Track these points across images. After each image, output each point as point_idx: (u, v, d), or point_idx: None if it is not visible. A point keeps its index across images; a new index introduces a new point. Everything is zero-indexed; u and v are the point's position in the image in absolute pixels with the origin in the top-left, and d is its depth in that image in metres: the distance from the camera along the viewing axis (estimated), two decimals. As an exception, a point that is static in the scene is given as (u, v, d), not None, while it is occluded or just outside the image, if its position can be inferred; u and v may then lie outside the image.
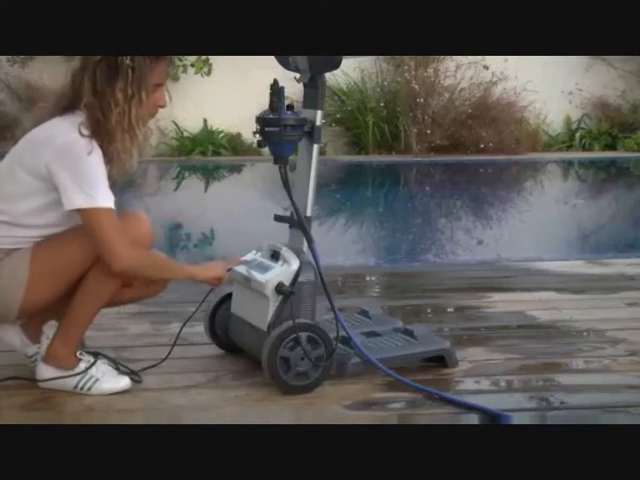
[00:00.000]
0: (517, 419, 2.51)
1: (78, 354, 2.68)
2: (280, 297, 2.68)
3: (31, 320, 2.79)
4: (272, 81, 2.67)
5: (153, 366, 2.82)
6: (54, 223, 2.60)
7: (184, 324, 2.94)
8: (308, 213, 2.78)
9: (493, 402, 2.60)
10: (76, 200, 2.49)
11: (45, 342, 2.71)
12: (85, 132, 2.51)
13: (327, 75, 2.83)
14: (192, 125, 10.23)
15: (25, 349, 2.80)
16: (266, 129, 2.69)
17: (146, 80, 2.57)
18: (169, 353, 2.86)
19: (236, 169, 10.00)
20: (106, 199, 2.51)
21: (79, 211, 2.51)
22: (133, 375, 2.74)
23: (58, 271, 2.60)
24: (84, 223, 2.53)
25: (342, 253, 5.61)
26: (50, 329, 2.70)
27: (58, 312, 2.72)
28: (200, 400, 2.64)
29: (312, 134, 2.75)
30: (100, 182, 2.52)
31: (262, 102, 2.81)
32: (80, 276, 2.63)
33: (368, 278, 4.62)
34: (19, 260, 2.57)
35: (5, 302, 2.59)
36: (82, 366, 2.66)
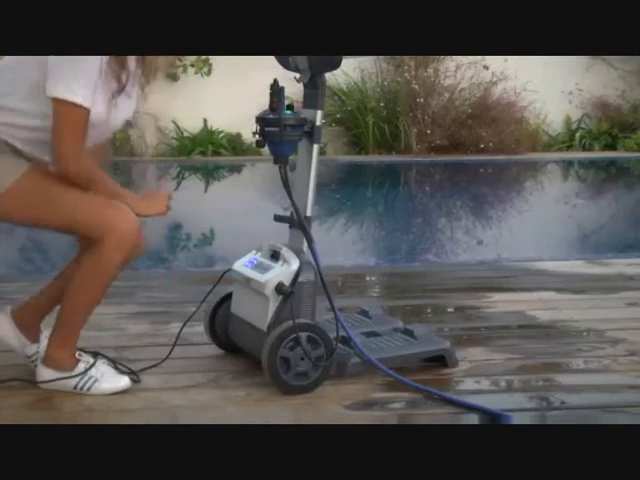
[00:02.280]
0: (517, 419, 2.51)
1: (77, 355, 2.68)
2: (280, 297, 2.68)
3: (28, 317, 2.79)
4: (272, 81, 2.67)
5: (154, 366, 2.82)
6: (36, 113, 2.53)
7: (184, 324, 2.94)
8: (308, 213, 2.78)
9: (493, 402, 2.60)
10: (57, 88, 2.44)
11: (44, 341, 2.71)
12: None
13: (327, 75, 2.83)
14: (192, 125, 10.23)
15: (24, 349, 2.80)
16: (266, 129, 2.69)
17: None
18: (170, 353, 2.86)
19: (236, 169, 10.00)
20: (87, 101, 2.45)
21: (54, 100, 2.45)
22: (132, 375, 2.74)
23: (38, 201, 2.56)
24: (53, 114, 2.46)
25: (342, 253, 5.61)
26: (48, 328, 2.71)
27: (52, 308, 2.73)
28: (200, 400, 2.64)
29: (312, 134, 2.75)
30: (90, 84, 2.45)
31: (262, 102, 2.81)
32: (51, 226, 2.59)
33: (368, 278, 4.62)
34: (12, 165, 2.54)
35: None
36: (81, 367, 2.66)
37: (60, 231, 2.63)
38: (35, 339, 2.79)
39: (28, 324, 2.80)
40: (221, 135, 10.18)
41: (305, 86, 2.80)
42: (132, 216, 2.60)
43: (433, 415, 2.56)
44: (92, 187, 2.59)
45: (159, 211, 2.73)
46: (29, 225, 2.71)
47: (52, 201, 2.57)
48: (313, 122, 2.75)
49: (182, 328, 2.93)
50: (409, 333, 2.94)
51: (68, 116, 2.47)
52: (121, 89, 2.54)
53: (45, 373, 2.66)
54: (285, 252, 2.73)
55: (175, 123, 10.23)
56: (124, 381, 2.69)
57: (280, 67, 2.85)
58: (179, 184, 9.51)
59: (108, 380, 2.67)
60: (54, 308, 2.74)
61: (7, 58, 2.59)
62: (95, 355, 2.72)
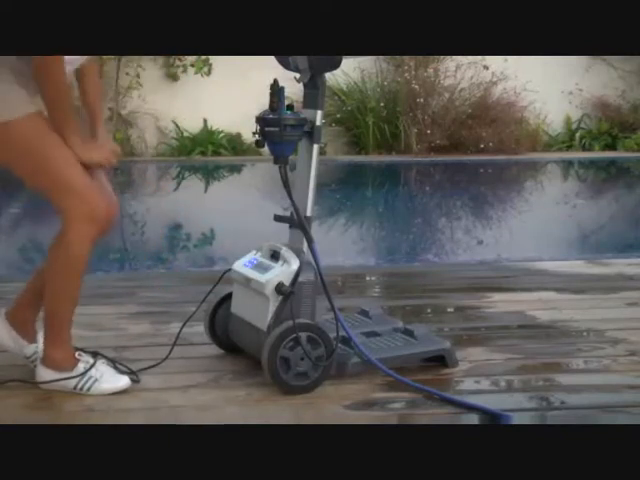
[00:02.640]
0: (517, 419, 2.51)
1: (77, 355, 2.68)
2: (280, 297, 2.68)
3: (20, 316, 2.80)
4: (272, 81, 2.67)
5: (153, 366, 2.82)
6: None
7: (184, 324, 2.94)
8: (308, 213, 2.78)
9: (493, 402, 2.60)
10: None
11: (42, 341, 2.71)
12: None
13: (327, 75, 2.83)
14: (192, 125, 10.24)
15: (22, 350, 2.80)
16: (266, 129, 2.69)
17: None
18: (169, 353, 2.87)
19: (236, 169, 10.01)
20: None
21: None
22: (132, 375, 2.74)
23: (24, 146, 2.51)
24: None
25: (342, 253, 5.61)
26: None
27: (41, 302, 2.72)
28: (200, 400, 2.64)
29: (312, 134, 2.75)
30: None
31: (262, 102, 2.82)
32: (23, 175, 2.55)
33: (368, 278, 4.62)
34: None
35: None
36: (81, 367, 2.65)
37: (28, 185, 2.56)
38: (32, 339, 2.79)
39: (22, 323, 2.80)
40: (221, 135, 10.19)
41: (305, 86, 2.80)
42: (101, 197, 2.55)
43: (433, 415, 2.56)
44: (54, 97, 2.48)
45: (102, 158, 2.59)
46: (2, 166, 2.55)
47: (35, 153, 2.51)
48: (313, 122, 2.75)
49: (182, 328, 2.93)
50: (409, 333, 2.94)
51: None
52: None
53: (44, 374, 2.66)
54: (285, 252, 2.74)
55: (175, 123, 10.23)
56: (124, 381, 2.69)
57: (280, 67, 2.85)
58: (179, 184, 9.52)
59: (108, 380, 2.67)
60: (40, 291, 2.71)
61: None
62: (95, 355, 2.72)
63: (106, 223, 2.58)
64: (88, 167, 2.56)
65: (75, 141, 2.54)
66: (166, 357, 2.85)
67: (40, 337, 2.74)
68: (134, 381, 2.72)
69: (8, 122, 2.50)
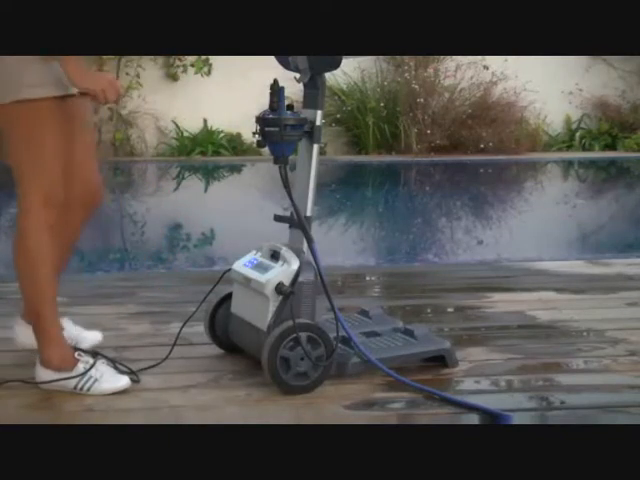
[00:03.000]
0: (517, 419, 2.51)
1: (76, 355, 2.67)
2: (280, 297, 2.68)
3: None
4: (272, 81, 2.67)
5: (153, 366, 2.82)
6: None
7: (184, 324, 2.94)
8: (308, 213, 2.78)
9: (493, 402, 2.60)
10: None
11: (68, 328, 2.78)
12: None
13: (327, 75, 2.83)
14: (192, 125, 10.23)
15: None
16: (266, 129, 2.69)
17: None
18: (169, 353, 2.87)
19: (236, 169, 10.00)
20: None
21: None
22: (132, 375, 2.74)
23: (29, 129, 2.53)
24: None
25: (342, 253, 5.61)
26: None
27: None
28: (200, 400, 2.64)
29: (312, 134, 2.75)
30: None
31: (262, 102, 2.82)
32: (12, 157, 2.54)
33: (368, 278, 4.62)
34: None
35: None
36: (81, 367, 2.65)
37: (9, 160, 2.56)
38: None
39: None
40: (221, 135, 10.18)
41: (305, 86, 2.80)
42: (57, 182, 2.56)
43: (433, 415, 2.56)
44: None
45: (97, 88, 2.50)
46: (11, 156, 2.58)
47: (32, 138, 2.53)
48: (313, 122, 2.75)
49: (182, 328, 2.93)
50: (409, 333, 2.94)
51: None
52: None
53: (43, 374, 2.66)
54: (285, 252, 2.73)
55: (175, 123, 10.23)
56: (124, 381, 2.69)
57: (280, 67, 2.85)
58: (179, 184, 9.51)
59: (108, 380, 2.67)
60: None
61: None
62: (94, 355, 2.72)
63: (83, 208, 2.63)
64: (89, 96, 2.53)
65: (72, 67, 2.48)
66: (166, 357, 2.85)
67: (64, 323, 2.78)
68: (134, 381, 2.72)
69: (26, 100, 2.50)
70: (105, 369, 2.70)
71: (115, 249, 6.40)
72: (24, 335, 2.85)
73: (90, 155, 2.77)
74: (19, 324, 2.89)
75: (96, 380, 2.65)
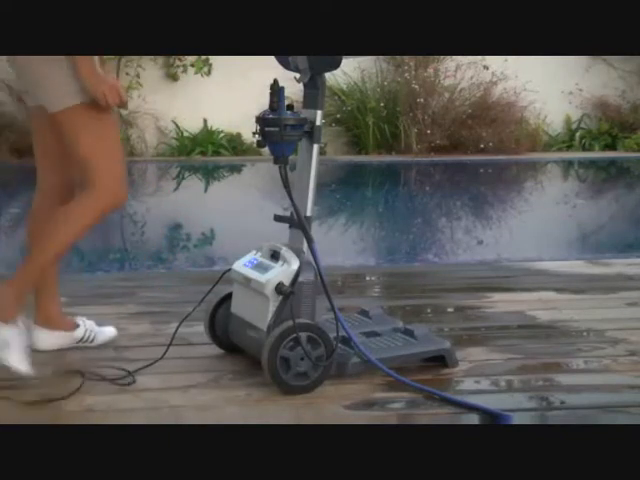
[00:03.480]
0: (517, 419, 2.51)
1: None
2: (280, 297, 2.68)
3: (49, 314, 2.94)
4: (272, 81, 2.67)
5: (147, 366, 2.81)
6: None
7: (180, 324, 2.94)
8: (308, 213, 2.78)
9: (493, 402, 2.60)
10: None
11: (83, 323, 3.00)
12: None
13: (327, 75, 2.83)
14: (192, 125, 10.24)
15: (73, 339, 2.97)
16: (266, 129, 2.69)
17: None
18: (164, 353, 2.86)
19: (236, 169, 10.01)
20: None
21: None
22: (128, 376, 2.74)
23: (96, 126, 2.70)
24: None
25: (342, 253, 5.61)
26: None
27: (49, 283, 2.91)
28: (200, 400, 2.64)
29: (312, 134, 2.75)
30: None
31: (262, 102, 2.82)
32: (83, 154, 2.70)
33: (368, 278, 4.62)
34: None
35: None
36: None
37: (80, 162, 2.72)
38: (71, 325, 2.96)
39: (54, 318, 2.94)
40: (221, 135, 10.19)
41: (305, 86, 2.80)
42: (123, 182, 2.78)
43: (433, 415, 2.56)
44: None
45: (99, 90, 2.61)
46: (72, 146, 2.73)
47: (100, 133, 2.71)
48: (313, 122, 2.75)
49: (177, 328, 2.93)
50: (409, 333, 2.94)
51: None
52: None
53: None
54: (285, 252, 2.73)
55: (175, 123, 10.24)
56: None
57: (280, 67, 2.85)
58: (179, 184, 9.52)
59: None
60: (50, 282, 2.91)
61: None
62: (83, 375, 2.76)
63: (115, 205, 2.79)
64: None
65: (84, 67, 2.59)
66: (161, 357, 2.85)
67: (80, 321, 2.98)
68: (130, 383, 2.72)
69: (75, 106, 2.64)
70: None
71: (115, 249, 6.40)
72: (41, 340, 2.93)
73: None
74: (36, 329, 2.93)
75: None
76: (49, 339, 2.94)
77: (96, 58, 2.59)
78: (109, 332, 3.09)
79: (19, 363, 2.65)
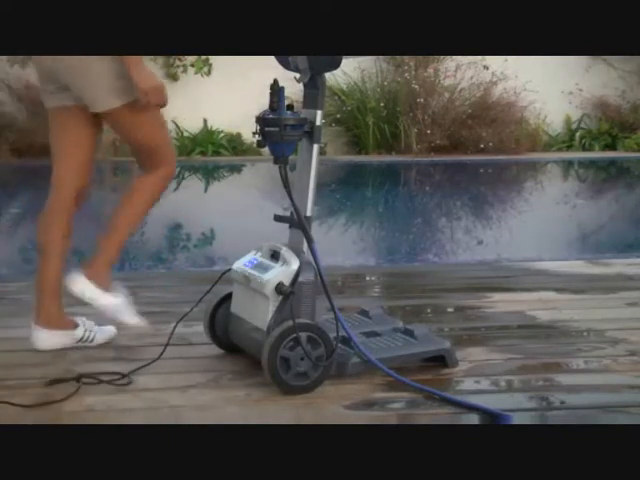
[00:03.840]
0: (517, 419, 2.51)
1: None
2: (280, 297, 2.68)
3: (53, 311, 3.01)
4: (272, 81, 2.67)
5: (143, 367, 2.81)
6: None
7: (177, 323, 2.94)
8: (308, 213, 2.78)
9: (493, 402, 2.60)
10: None
11: (83, 323, 3.08)
12: None
13: (327, 75, 2.83)
14: (192, 125, 10.24)
15: (72, 339, 3.03)
16: (266, 129, 2.69)
17: None
18: (162, 353, 2.86)
19: (236, 169, 10.01)
20: None
21: None
22: (124, 378, 2.74)
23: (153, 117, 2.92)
24: None
25: (342, 253, 5.61)
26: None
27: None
28: (200, 400, 2.64)
29: (312, 134, 2.75)
30: None
31: (262, 102, 2.82)
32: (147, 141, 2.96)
33: (368, 278, 4.62)
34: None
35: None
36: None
37: (141, 149, 2.99)
38: (72, 325, 3.04)
39: (53, 316, 3.00)
40: (221, 135, 10.19)
41: (305, 86, 2.80)
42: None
43: (433, 415, 2.56)
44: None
45: (160, 94, 2.80)
46: (130, 138, 3.01)
47: (154, 121, 2.95)
48: (313, 122, 2.75)
49: (174, 328, 2.93)
50: (409, 333, 2.94)
51: None
52: None
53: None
54: (285, 252, 2.73)
55: (175, 123, 10.23)
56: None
57: (280, 67, 2.85)
58: (179, 184, 9.52)
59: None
60: (54, 282, 3.00)
61: None
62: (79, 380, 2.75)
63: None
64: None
65: (141, 69, 2.74)
66: (158, 357, 2.85)
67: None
68: (129, 383, 2.72)
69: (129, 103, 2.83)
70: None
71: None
72: (42, 340, 2.96)
73: None
74: (36, 329, 2.96)
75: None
76: (50, 339, 2.97)
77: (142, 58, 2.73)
78: (109, 331, 3.12)
79: (136, 320, 3.05)
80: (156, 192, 3.04)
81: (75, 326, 3.02)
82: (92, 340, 3.04)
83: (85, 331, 3.03)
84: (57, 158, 2.95)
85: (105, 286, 3.00)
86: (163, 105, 2.83)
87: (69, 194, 2.95)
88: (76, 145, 2.93)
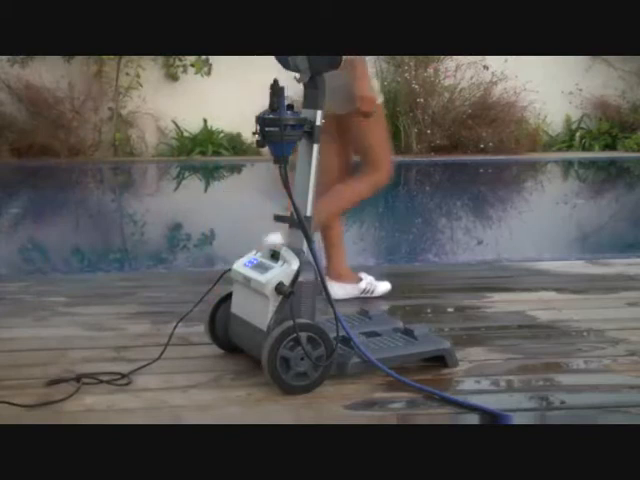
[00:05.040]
0: (517, 419, 2.51)
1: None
2: (280, 297, 2.68)
3: (342, 267, 3.68)
4: (272, 81, 2.67)
5: (144, 366, 2.81)
6: None
7: (177, 323, 2.94)
8: (308, 213, 2.78)
9: (493, 402, 2.60)
10: None
11: (365, 277, 3.71)
12: None
13: (327, 75, 2.83)
14: (192, 125, 10.25)
15: (357, 290, 3.68)
16: (266, 129, 2.69)
17: None
18: (162, 353, 2.86)
19: (236, 169, 10.01)
20: None
21: None
22: (123, 378, 2.74)
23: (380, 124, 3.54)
24: None
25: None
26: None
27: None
28: (200, 400, 2.64)
29: (312, 134, 2.76)
30: None
31: (262, 102, 2.82)
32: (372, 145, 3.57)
33: (368, 278, 4.61)
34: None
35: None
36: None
37: (364, 152, 3.57)
38: (357, 279, 3.69)
39: (342, 272, 3.66)
40: (221, 135, 10.19)
41: (305, 86, 2.80)
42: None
43: (433, 415, 2.56)
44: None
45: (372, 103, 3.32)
46: (364, 142, 3.56)
47: (379, 128, 3.54)
48: (313, 122, 2.75)
49: (174, 328, 2.93)
50: (409, 333, 2.94)
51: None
52: None
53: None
54: (285, 252, 2.74)
55: (175, 123, 10.24)
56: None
57: (280, 67, 2.85)
58: (179, 184, 9.52)
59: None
60: (339, 244, 3.68)
61: None
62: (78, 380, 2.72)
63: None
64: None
65: (364, 81, 3.29)
66: (158, 357, 2.85)
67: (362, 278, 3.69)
68: (128, 383, 2.72)
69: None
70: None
71: (115, 249, 6.40)
72: (334, 291, 3.44)
73: None
74: (330, 282, 3.46)
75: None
76: (340, 290, 3.61)
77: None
78: (384, 286, 3.76)
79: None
80: (364, 194, 3.55)
81: (359, 280, 3.67)
82: (372, 292, 3.69)
83: (367, 284, 3.68)
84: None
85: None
86: (368, 115, 3.31)
87: (330, 170, 3.51)
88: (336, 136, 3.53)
